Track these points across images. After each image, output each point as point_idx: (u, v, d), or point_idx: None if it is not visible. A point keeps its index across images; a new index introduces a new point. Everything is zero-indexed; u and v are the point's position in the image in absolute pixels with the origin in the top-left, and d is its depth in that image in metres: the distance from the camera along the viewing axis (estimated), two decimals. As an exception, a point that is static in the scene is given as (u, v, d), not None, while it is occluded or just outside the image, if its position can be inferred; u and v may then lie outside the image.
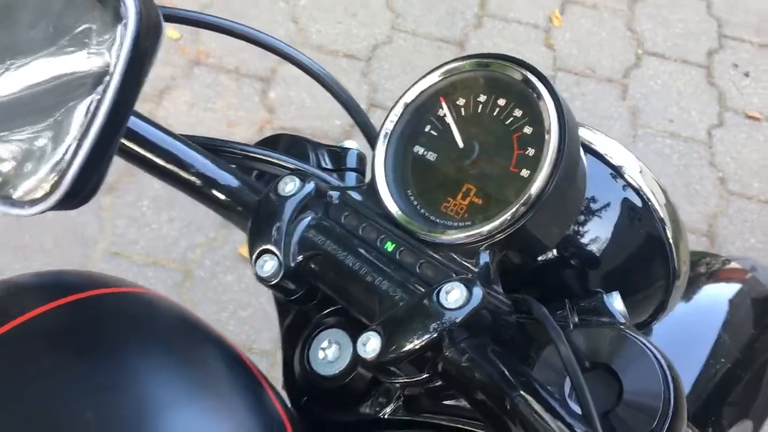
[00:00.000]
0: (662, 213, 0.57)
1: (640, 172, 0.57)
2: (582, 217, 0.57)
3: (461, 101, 0.51)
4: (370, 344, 0.42)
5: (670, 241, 0.57)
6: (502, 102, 0.49)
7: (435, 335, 0.41)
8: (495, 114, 0.49)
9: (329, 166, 0.58)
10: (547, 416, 0.38)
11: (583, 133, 0.58)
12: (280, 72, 2.10)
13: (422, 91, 0.51)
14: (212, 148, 0.54)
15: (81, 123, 0.37)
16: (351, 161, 0.59)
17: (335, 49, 2.23)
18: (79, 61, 0.37)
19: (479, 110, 0.50)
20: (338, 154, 0.59)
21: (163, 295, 0.49)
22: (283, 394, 0.51)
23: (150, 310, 0.46)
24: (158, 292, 0.49)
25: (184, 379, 0.42)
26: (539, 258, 0.55)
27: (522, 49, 2.39)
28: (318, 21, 2.31)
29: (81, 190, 0.38)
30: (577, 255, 0.56)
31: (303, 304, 0.50)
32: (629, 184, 0.56)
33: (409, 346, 0.41)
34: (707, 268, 1.11)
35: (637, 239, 0.58)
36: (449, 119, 0.50)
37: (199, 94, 2.09)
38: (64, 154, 0.37)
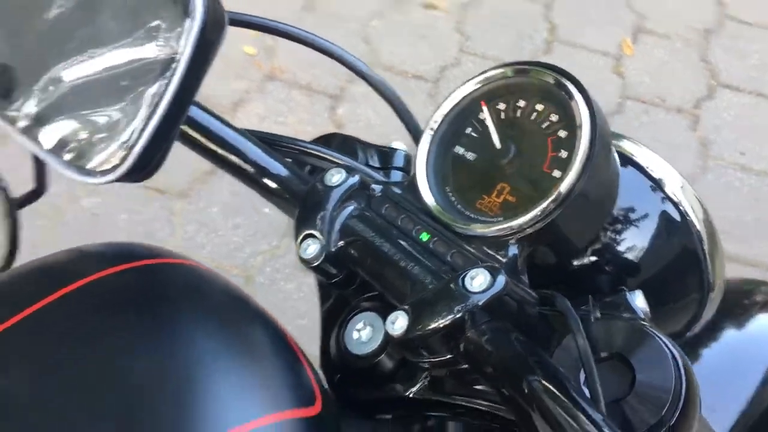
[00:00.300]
0: (699, 227, 0.58)
1: (681, 187, 0.59)
2: (619, 225, 0.59)
3: (502, 106, 0.54)
4: (398, 322, 0.46)
5: (706, 255, 0.58)
6: (540, 107, 0.52)
7: (458, 316, 0.44)
8: (533, 118, 0.52)
9: (377, 165, 0.61)
10: (562, 400, 0.40)
11: (626, 146, 0.60)
12: (349, 90, 2.16)
13: (465, 96, 0.54)
14: (269, 141, 0.58)
15: (149, 105, 0.42)
16: (398, 161, 0.62)
17: (404, 70, 2.28)
18: (150, 51, 0.42)
19: (518, 114, 0.53)
20: (386, 154, 0.62)
21: (215, 271, 0.53)
22: (321, 373, 0.54)
23: (201, 282, 0.51)
24: (211, 268, 0.53)
25: (227, 346, 0.46)
26: (575, 263, 0.57)
27: (590, 75, 2.39)
28: (388, 42, 2.37)
29: (145, 166, 0.43)
30: (612, 262, 0.58)
31: (342, 289, 0.54)
32: (668, 198, 0.58)
33: (433, 325, 0.44)
34: (764, 297, 1.09)
35: (672, 251, 0.59)
36: (489, 122, 0.53)
37: (272, 108, 2.17)
38: (132, 133, 0.42)
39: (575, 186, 0.47)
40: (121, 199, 1.95)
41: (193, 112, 0.53)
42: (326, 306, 0.56)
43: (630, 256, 0.58)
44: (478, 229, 0.50)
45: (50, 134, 0.43)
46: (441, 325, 0.44)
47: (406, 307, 0.46)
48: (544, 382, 0.41)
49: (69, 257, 0.49)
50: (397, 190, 0.54)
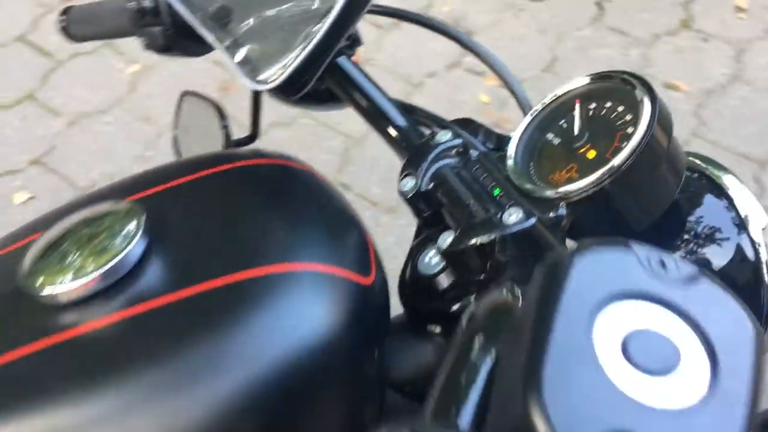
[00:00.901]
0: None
1: (764, 229, 0.64)
2: (697, 240, 0.65)
3: (593, 105, 0.63)
4: (448, 239, 0.58)
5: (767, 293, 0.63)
6: (620, 108, 0.61)
7: (491, 238, 0.55)
8: (612, 117, 0.61)
9: (492, 146, 0.73)
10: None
11: (727, 179, 0.68)
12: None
13: (563, 94, 0.65)
14: (408, 108, 0.73)
15: (304, 41, 0.59)
16: None
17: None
18: (315, 3, 0.60)
19: (602, 113, 0.62)
20: (504, 140, 0.74)
21: (324, 176, 0.69)
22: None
23: (307, 178, 0.66)
24: (319, 173, 0.69)
25: (310, 215, 0.61)
26: None
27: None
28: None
29: (293, 85, 0.60)
30: None
31: (430, 226, 0.67)
32: (748, 234, 0.64)
33: (470, 242, 0.56)
34: None
35: (735, 277, 0.64)
36: (576, 114, 0.63)
37: (491, 154, 2.32)
38: (290, 59, 0.59)
39: (626, 160, 0.56)
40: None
41: (347, 66, 0.70)
42: (414, 243, 0.69)
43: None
44: (543, 193, 0.60)
45: (240, 53, 0.63)
46: (477, 243, 0.55)
47: (458, 229, 0.58)
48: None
49: (219, 153, 0.68)
50: (491, 158, 0.66)
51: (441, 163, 0.65)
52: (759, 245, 0.64)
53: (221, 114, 0.94)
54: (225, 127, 0.94)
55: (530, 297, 0.31)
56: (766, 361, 0.29)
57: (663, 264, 0.31)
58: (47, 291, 0.53)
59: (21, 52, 2.63)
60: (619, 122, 0.61)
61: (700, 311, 0.28)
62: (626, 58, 2.59)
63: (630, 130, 0.59)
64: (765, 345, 0.29)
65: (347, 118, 2.39)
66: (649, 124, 0.56)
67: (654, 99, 0.58)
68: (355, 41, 0.75)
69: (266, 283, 0.54)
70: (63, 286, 0.53)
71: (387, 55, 2.58)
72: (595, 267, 0.30)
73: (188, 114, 1.02)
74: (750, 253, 0.64)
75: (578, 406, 0.25)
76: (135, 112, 2.45)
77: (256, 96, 0.85)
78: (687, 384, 0.27)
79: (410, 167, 0.66)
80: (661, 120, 0.57)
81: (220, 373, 0.50)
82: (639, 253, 0.31)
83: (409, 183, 0.65)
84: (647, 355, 0.27)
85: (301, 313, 0.54)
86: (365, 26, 2.63)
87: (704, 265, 0.64)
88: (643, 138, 0.56)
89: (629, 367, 0.27)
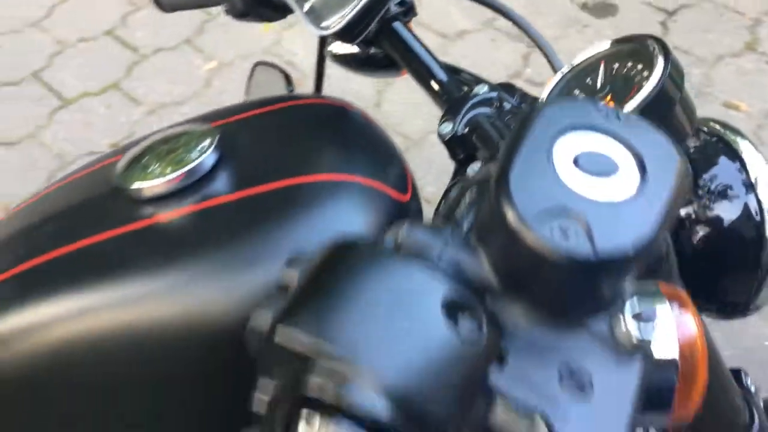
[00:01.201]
0: None
1: None
2: (711, 197, 0.72)
3: (616, 65, 0.71)
4: (476, 169, 0.66)
5: (765, 248, 0.70)
6: (639, 66, 0.69)
7: None
8: (632, 74, 0.69)
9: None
10: None
11: (742, 144, 0.74)
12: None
13: (590, 56, 0.73)
14: (453, 68, 0.82)
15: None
16: None
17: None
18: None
19: (624, 72, 0.70)
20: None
21: (369, 115, 0.77)
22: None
23: (358, 117, 0.75)
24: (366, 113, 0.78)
25: (355, 144, 0.71)
26: None
27: None
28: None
29: (350, 32, 0.70)
30: (690, 219, 0.71)
31: (464, 166, 0.75)
32: (755, 194, 0.71)
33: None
34: None
35: (737, 230, 0.71)
36: (600, 73, 0.71)
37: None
38: (347, 10, 0.69)
39: (636, 107, 0.63)
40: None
41: (402, 31, 0.79)
42: (449, 184, 0.77)
43: (704, 217, 0.71)
44: (563, 138, 0.68)
45: (307, 4, 0.73)
46: None
47: (484, 161, 0.66)
48: None
49: (285, 94, 0.78)
50: (522, 110, 0.74)
51: (476, 111, 0.73)
52: (763, 204, 0.70)
53: (288, 80, 1.05)
54: (291, 92, 1.05)
55: (507, 137, 0.39)
56: (687, 184, 0.37)
57: (617, 115, 0.39)
58: (135, 185, 0.63)
59: (109, 46, 2.83)
60: (637, 78, 0.68)
61: (638, 140, 0.36)
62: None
63: (645, 83, 0.66)
64: (689, 173, 0.37)
65: (407, 120, 2.49)
66: (661, 75, 0.64)
67: (667, 55, 0.65)
68: (410, 10, 0.84)
69: (313, 188, 0.63)
70: (148, 182, 0.63)
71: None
72: (560, 110, 0.38)
73: (259, 81, 1.13)
74: (755, 212, 0.70)
75: (534, 195, 0.33)
76: (209, 105, 2.59)
77: (320, 61, 0.96)
78: (619, 186, 0.35)
79: (449, 114, 0.74)
80: (673, 73, 0.64)
81: (267, 259, 0.59)
82: (599, 105, 0.39)
83: (447, 127, 0.73)
84: (592, 164, 0.35)
85: (342, 215, 0.63)
86: (431, 36, 2.74)
87: (714, 219, 0.71)
88: (654, 88, 0.63)
89: (577, 172, 0.35)
